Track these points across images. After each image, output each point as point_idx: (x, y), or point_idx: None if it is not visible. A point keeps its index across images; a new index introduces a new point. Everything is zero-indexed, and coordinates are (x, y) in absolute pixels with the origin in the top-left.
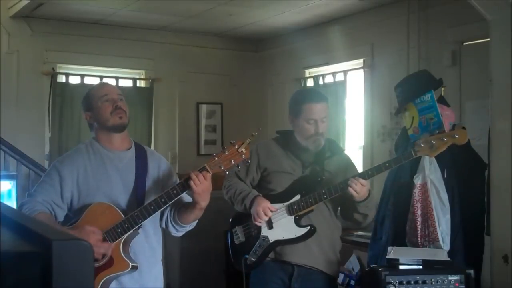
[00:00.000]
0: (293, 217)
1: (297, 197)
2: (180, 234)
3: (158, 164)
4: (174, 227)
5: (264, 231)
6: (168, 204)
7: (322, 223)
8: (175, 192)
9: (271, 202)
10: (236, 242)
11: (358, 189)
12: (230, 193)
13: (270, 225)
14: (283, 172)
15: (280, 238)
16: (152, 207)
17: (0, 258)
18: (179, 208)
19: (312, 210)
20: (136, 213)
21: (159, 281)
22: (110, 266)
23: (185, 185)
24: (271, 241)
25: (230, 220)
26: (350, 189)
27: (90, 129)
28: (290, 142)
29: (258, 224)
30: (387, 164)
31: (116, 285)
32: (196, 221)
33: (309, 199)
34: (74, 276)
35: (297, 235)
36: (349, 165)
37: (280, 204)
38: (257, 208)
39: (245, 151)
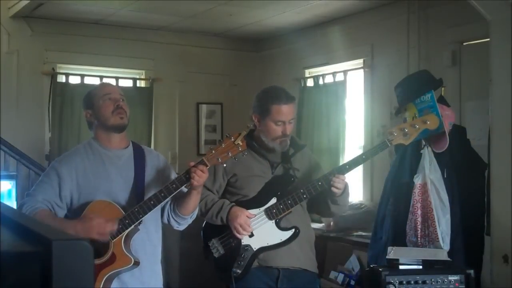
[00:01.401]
0: (273, 221)
1: (274, 200)
2: (182, 227)
3: (157, 160)
4: (175, 220)
5: (245, 240)
6: (167, 198)
7: (299, 222)
8: (174, 186)
9: (246, 209)
10: (216, 255)
11: (341, 185)
12: (200, 206)
13: (250, 232)
14: (254, 176)
15: (265, 244)
16: (152, 202)
17: (0, 258)
18: (178, 200)
19: (291, 212)
20: (136, 209)
21: (159, 280)
22: (112, 262)
23: (183, 179)
24: (255, 250)
25: (202, 233)
26: (333, 188)
27: (89, 128)
28: (254, 143)
29: (241, 237)
30: (363, 156)
31: (118, 285)
32: (197, 210)
33: (288, 201)
34: (74, 276)
35: (283, 239)
36: (312, 160)
37: (257, 210)
38: (239, 221)
39: (241, 143)
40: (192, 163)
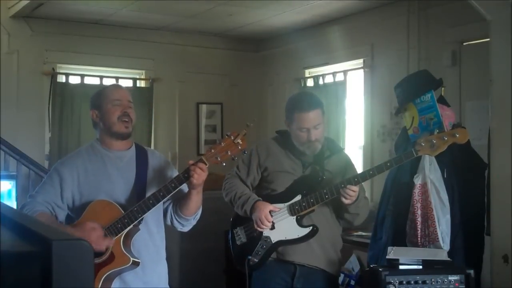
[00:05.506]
0: (294, 217)
1: (298, 197)
2: (186, 228)
3: (159, 162)
4: (178, 221)
5: (266, 232)
6: (166, 197)
7: (323, 223)
8: (173, 185)
9: (272, 202)
10: (238, 242)
11: (349, 196)
12: (230, 196)
13: (271, 225)
14: (284, 172)
15: (283, 238)
16: (150, 201)
17: (0, 258)
18: (179, 201)
19: (313, 210)
20: (135, 208)
21: (163, 279)
22: (111, 261)
23: (182, 178)
24: (273, 242)
25: (231, 220)
26: (342, 198)
27: (94, 127)
28: (289, 142)
29: (261, 230)
30: (388, 164)
31: (120, 285)
32: (200, 211)
33: (311, 199)
34: (74, 276)
35: (300, 236)
36: (348, 164)
37: (282, 204)
38: (259, 215)
39: (241, 142)
40: (192, 162)
